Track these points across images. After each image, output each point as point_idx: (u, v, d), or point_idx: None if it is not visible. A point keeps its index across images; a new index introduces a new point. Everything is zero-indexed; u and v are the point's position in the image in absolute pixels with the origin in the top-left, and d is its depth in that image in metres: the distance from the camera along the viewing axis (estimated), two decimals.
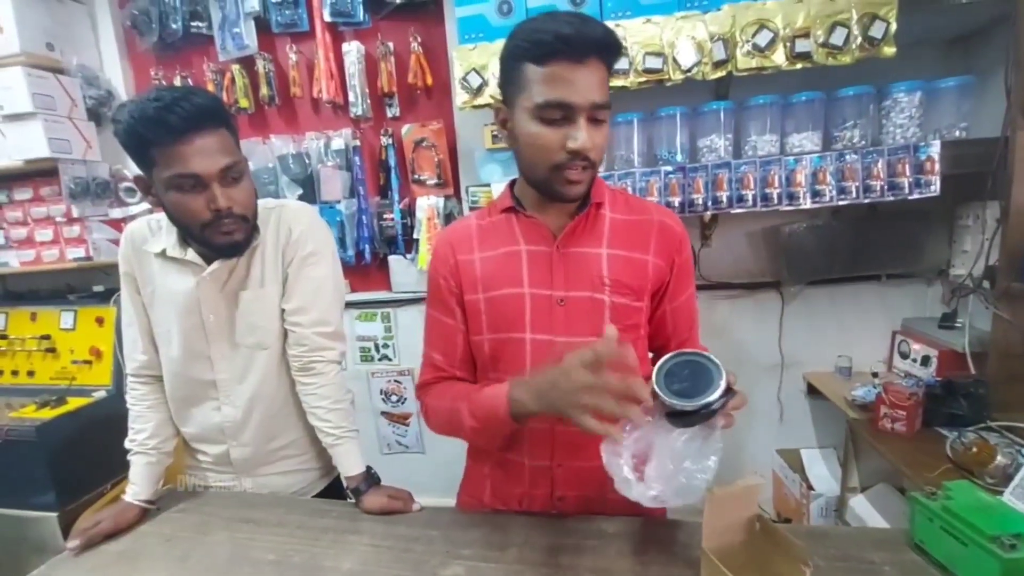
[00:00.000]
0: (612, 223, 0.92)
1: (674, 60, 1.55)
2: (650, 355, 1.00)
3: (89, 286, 2.28)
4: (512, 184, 0.97)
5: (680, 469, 0.69)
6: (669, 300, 0.95)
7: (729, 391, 0.69)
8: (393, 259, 2.22)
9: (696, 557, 0.79)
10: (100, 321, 2.12)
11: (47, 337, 2.15)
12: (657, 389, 0.70)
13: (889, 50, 1.47)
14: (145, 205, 2.23)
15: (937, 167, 1.51)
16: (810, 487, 1.86)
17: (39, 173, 2.12)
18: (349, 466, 1.09)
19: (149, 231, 1.09)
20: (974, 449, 1.23)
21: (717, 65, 1.55)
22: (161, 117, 0.88)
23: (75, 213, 2.13)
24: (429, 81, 2.04)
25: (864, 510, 1.61)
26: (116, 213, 2.22)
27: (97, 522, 1.02)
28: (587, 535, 0.91)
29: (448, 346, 0.98)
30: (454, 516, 1.02)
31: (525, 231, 0.92)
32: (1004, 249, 1.49)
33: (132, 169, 2.23)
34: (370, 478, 1.09)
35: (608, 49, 0.78)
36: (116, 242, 2.20)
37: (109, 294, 2.15)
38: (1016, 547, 0.71)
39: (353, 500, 1.08)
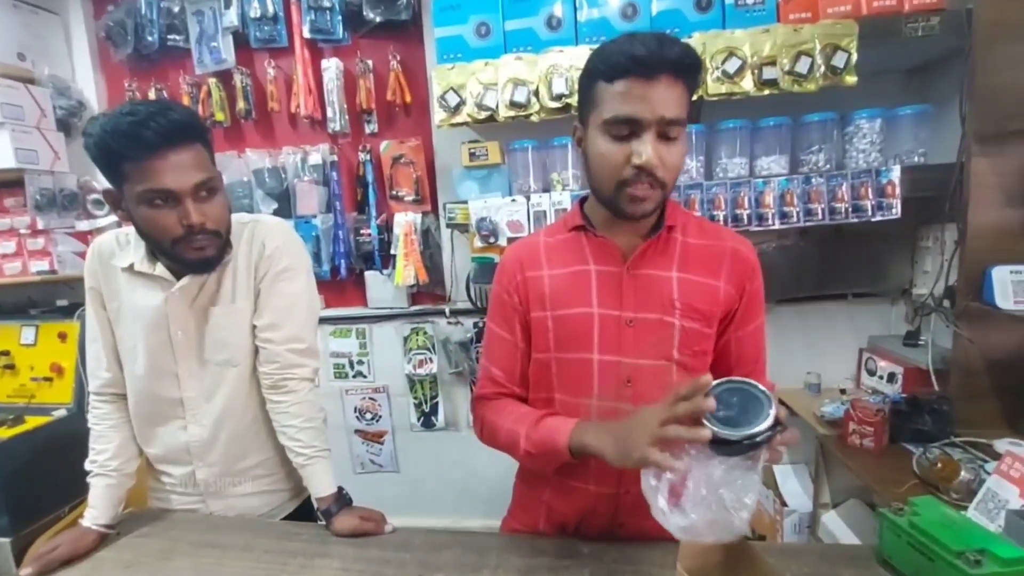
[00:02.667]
0: (684, 247, 0.90)
1: None
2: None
3: (52, 300, 2.21)
4: (582, 202, 0.96)
5: (715, 499, 0.66)
6: (735, 328, 0.93)
7: (778, 425, 0.67)
8: (369, 275, 2.20)
9: None
10: (63, 337, 2.05)
11: (6, 353, 2.08)
12: (703, 417, 0.69)
13: (851, 79, 1.54)
14: (114, 218, 2.18)
15: (898, 190, 1.57)
16: (783, 503, 1.88)
17: (3, 184, 2.07)
18: (320, 487, 1.07)
19: (117, 245, 1.07)
20: (939, 465, 1.26)
21: None
22: (135, 132, 0.87)
23: (40, 225, 2.08)
24: (408, 99, 2.05)
25: (836, 526, 1.63)
26: (83, 225, 2.17)
27: (53, 548, 0.98)
28: (562, 555, 0.91)
29: (507, 362, 0.97)
30: (427, 537, 1.01)
31: (595, 251, 0.91)
32: (962, 270, 1.55)
33: (102, 181, 2.19)
34: (341, 499, 1.07)
35: (682, 67, 0.77)
36: (82, 255, 2.16)
37: (73, 309, 2.08)
38: (981, 563, 0.73)
39: (324, 522, 1.06)
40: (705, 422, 0.68)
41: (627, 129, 0.78)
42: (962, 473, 1.22)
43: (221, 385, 1.10)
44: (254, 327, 1.09)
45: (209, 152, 0.98)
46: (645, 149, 0.77)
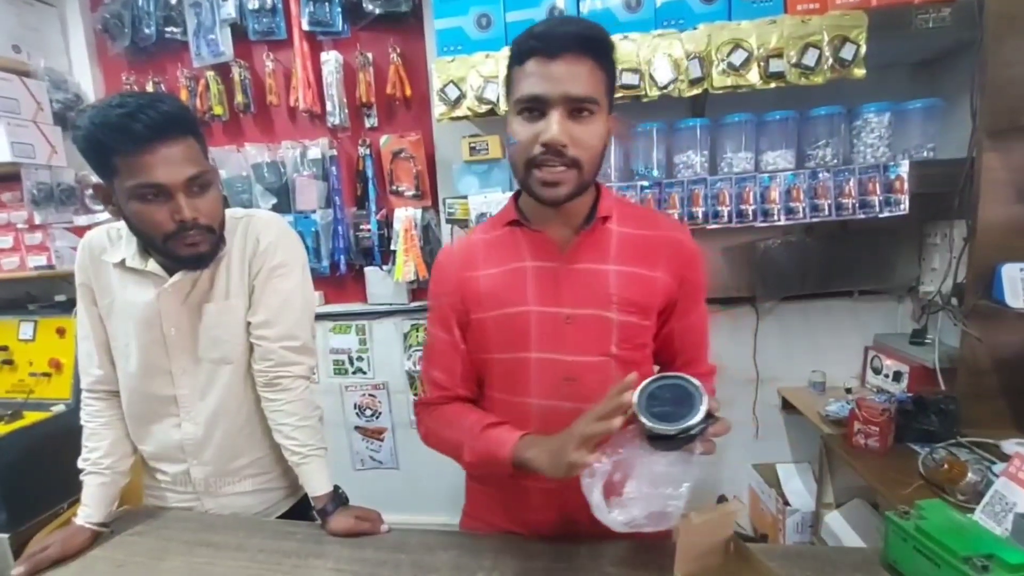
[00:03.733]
0: (620, 238, 0.88)
1: (651, 77, 1.57)
2: (656, 369, 0.98)
3: (51, 296, 2.20)
4: (516, 196, 0.94)
5: (656, 494, 0.68)
6: (677, 318, 0.92)
7: (710, 417, 0.68)
8: (369, 270, 2.18)
9: None
10: (61, 332, 2.03)
11: (4, 348, 2.06)
12: (637, 411, 0.69)
13: (859, 72, 1.51)
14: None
15: (906, 186, 1.54)
16: (786, 502, 1.86)
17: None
18: (316, 486, 1.06)
19: (108, 240, 1.05)
20: (945, 466, 1.24)
21: (693, 83, 1.56)
22: (125, 125, 0.85)
23: (37, 220, 2.07)
24: (408, 92, 2.03)
25: (839, 526, 1.61)
26: (81, 220, 2.16)
27: (45, 547, 0.97)
28: (558, 558, 0.89)
29: (448, 364, 0.95)
30: (423, 537, 0.99)
31: (531, 246, 0.89)
32: (971, 267, 1.52)
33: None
34: (337, 498, 1.06)
35: (583, 42, 0.77)
36: None
37: (71, 304, 2.06)
38: (988, 568, 0.71)
39: (319, 521, 1.04)
40: (641, 418, 0.69)
41: (536, 109, 0.78)
42: (969, 474, 1.19)
43: (215, 383, 1.08)
44: (248, 324, 1.07)
45: (202, 146, 0.96)
46: (551, 126, 0.76)
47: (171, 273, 1.02)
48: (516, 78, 0.81)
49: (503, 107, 1.66)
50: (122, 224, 1.02)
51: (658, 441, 0.69)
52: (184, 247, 0.95)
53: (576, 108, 0.77)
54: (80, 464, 1.08)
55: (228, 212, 1.05)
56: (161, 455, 1.13)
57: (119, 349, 1.07)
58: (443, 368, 0.96)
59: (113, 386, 1.10)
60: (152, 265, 1.01)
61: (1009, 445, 1.35)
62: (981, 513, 1.05)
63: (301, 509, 1.22)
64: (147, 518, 1.10)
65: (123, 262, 1.02)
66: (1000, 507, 1.03)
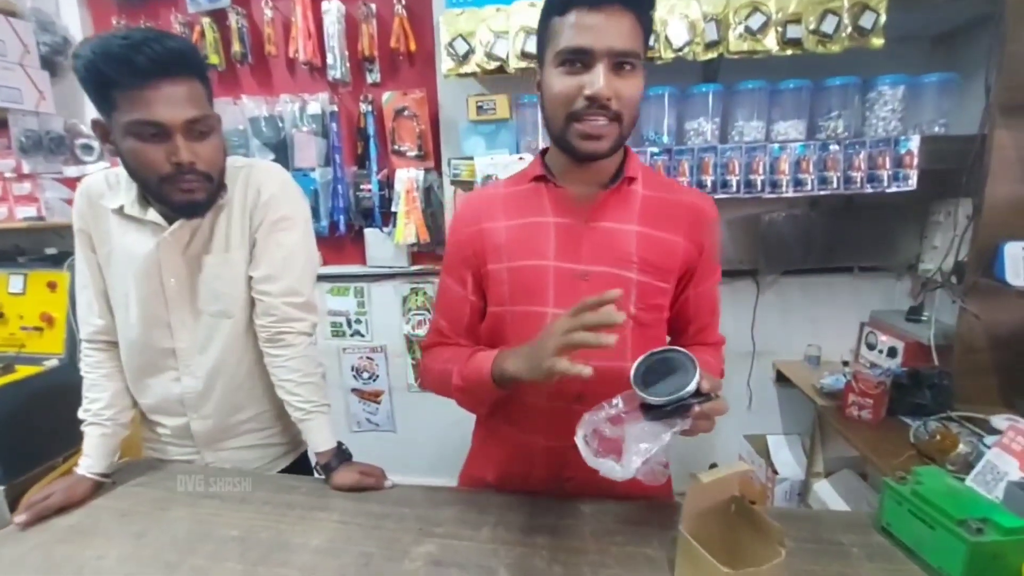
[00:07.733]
0: (644, 200, 0.88)
1: (666, 38, 1.53)
2: (668, 339, 0.98)
3: (41, 248, 2.15)
4: (543, 153, 0.94)
5: (633, 449, 0.70)
6: (695, 285, 0.92)
7: (702, 394, 0.70)
8: (369, 232, 2.15)
9: (671, 538, 0.79)
10: (52, 286, 2.00)
11: None
12: (632, 381, 0.71)
13: (877, 41, 1.48)
14: (104, 164, 2.10)
15: (915, 161, 1.53)
16: (775, 472, 1.91)
17: None
18: (319, 441, 1.05)
19: (107, 185, 1.01)
20: (937, 437, 1.27)
21: (709, 46, 1.53)
22: (127, 57, 0.81)
23: (26, 169, 2.00)
24: (412, 47, 1.96)
25: (827, 494, 1.65)
26: (71, 171, 2.09)
27: (47, 495, 0.97)
28: (562, 515, 0.90)
29: (455, 314, 0.96)
30: (427, 494, 1.00)
31: (554, 202, 0.89)
32: (974, 245, 1.53)
33: (89, 124, 2.11)
34: (341, 454, 1.06)
35: None
36: (71, 202, 2.08)
37: (63, 257, 2.03)
38: (983, 531, 0.73)
39: (322, 476, 1.05)
40: (635, 388, 0.71)
41: (579, 61, 0.77)
42: (960, 446, 1.22)
43: (215, 337, 1.07)
44: (250, 278, 1.05)
45: (207, 90, 0.92)
46: (597, 79, 0.75)
47: (171, 222, 0.99)
48: (555, 29, 0.78)
49: (513, 65, 1.61)
50: (121, 170, 0.98)
51: (650, 410, 0.71)
52: (179, 192, 0.91)
53: (619, 62, 0.76)
54: (81, 415, 1.07)
55: (229, 160, 1.01)
56: (160, 408, 1.11)
57: (118, 299, 1.05)
58: (450, 318, 0.97)
59: (113, 336, 1.08)
60: (152, 214, 0.98)
61: (999, 420, 1.38)
62: (972, 482, 1.08)
63: (300, 465, 1.22)
64: (149, 470, 1.10)
65: (122, 209, 0.99)
66: (991, 476, 1.05)
